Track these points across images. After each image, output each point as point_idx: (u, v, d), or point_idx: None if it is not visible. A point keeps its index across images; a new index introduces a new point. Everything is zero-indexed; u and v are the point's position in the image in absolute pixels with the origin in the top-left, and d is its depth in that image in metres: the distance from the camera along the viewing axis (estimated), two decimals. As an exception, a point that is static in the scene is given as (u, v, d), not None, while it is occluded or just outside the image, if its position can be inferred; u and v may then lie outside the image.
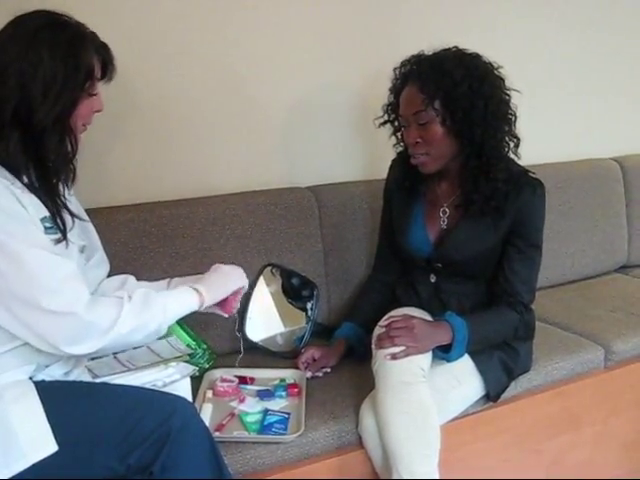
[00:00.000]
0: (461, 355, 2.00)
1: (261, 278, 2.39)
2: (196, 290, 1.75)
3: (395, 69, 2.07)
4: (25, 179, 1.56)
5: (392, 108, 2.10)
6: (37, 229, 1.54)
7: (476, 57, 1.99)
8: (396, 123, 2.12)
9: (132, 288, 1.88)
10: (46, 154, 1.58)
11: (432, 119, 1.95)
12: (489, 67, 1.99)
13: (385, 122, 2.14)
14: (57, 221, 1.60)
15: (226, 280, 1.86)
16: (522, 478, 2.26)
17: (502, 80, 2.00)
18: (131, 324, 1.58)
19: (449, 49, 2.00)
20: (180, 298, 1.72)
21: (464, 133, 1.96)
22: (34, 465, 1.46)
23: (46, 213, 1.58)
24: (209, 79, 2.46)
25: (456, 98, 1.92)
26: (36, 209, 1.56)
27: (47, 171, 1.60)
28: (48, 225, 1.58)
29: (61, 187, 1.66)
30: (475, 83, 1.93)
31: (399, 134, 2.14)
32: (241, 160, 2.59)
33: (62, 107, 1.56)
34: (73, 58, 1.56)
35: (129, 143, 2.38)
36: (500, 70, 2.00)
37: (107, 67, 1.69)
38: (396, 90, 2.07)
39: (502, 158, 2.02)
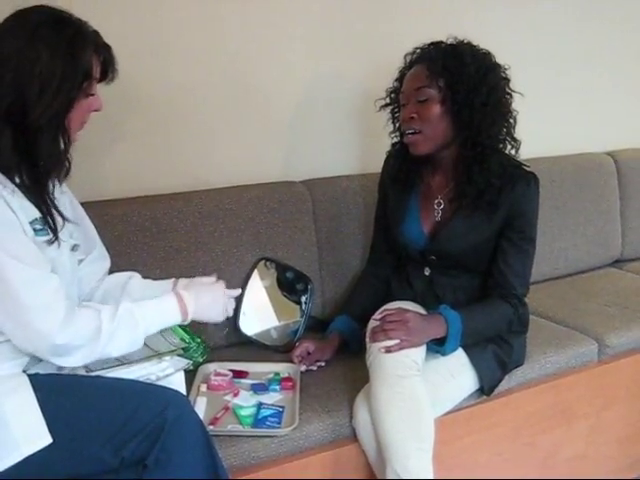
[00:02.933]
0: (455, 348, 2.01)
1: (255, 272, 2.39)
2: (181, 310, 1.74)
3: (406, 55, 2.10)
4: (17, 179, 1.55)
5: (395, 92, 2.12)
6: (26, 237, 1.54)
7: (487, 52, 2.03)
8: (396, 109, 2.13)
9: (133, 289, 1.90)
10: (38, 153, 1.57)
11: (432, 97, 1.98)
12: (498, 64, 2.02)
13: (386, 105, 2.16)
14: (48, 221, 1.60)
15: (212, 306, 1.83)
16: (516, 471, 2.27)
17: (507, 80, 2.03)
18: (108, 341, 1.60)
19: (462, 41, 2.04)
20: (164, 317, 1.73)
21: (462, 117, 1.98)
22: (28, 458, 1.46)
23: (35, 215, 1.58)
24: (204, 72, 2.46)
25: (461, 80, 1.95)
26: (25, 212, 1.55)
27: (37, 170, 1.59)
28: (38, 227, 1.58)
29: (51, 186, 1.65)
30: (482, 70, 1.96)
31: (396, 123, 2.15)
32: (235, 154, 2.59)
33: (58, 107, 1.55)
34: (72, 57, 1.54)
35: (122, 137, 2.37)
36: (506, 72, 2.03)
37: (108, 68, 1.68)
38: (402, 74, 2.09)
39: (496, 150, 2.03)
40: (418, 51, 2.07)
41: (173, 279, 1.95)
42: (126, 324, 1.63)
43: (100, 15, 1.99)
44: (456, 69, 1.95)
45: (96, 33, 1.63)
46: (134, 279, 1.94)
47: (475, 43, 2.03)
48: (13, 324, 1.53)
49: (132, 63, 2.27)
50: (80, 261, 1.85)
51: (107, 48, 1.66)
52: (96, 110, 1.69)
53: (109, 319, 1.60)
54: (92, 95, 1.65)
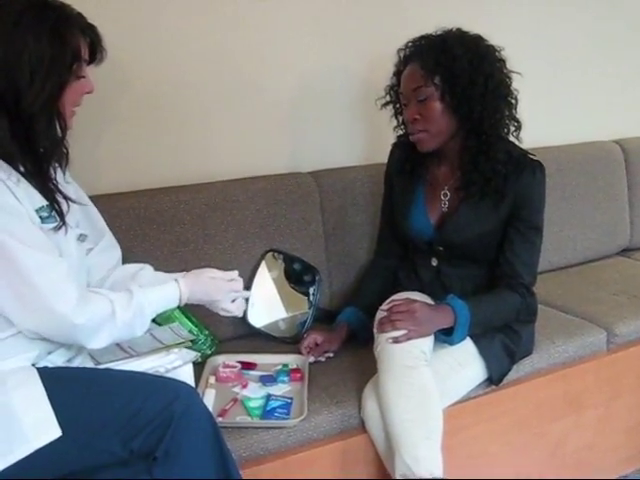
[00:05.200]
0: (463, 338, 2.00)
1: (263, 264, 2.39)
2: (179, 289, 1.77)
3: (399, 51, 2.09)
4: (21, 168, 1.56)
5: (394, 89, 2.11)
6: (33, 224, 1.55)
7: (477, 37, 2.01)
8: (397, 105, 2.13)
9: (142, 280, 1.89)
10: (36, 139, 1.58)
11: (431, 95, 1.97)
12: (490, 47, 2.00)
13: (387, 103, 2.16)
14: (54, 207, 1.60)
15: (208, 289, 1.83)
16: (524, 461, 2.27)
17: (503, 62, 2.01)
18: (122, 323, 1.62)
19: (451, 30, 2.01)
20: (164, 298, 1.75)
21: (463, 110, 1.97)
22: (38, 450, 1.46)
23: (41, 203, 1.59)
24: (209, 63, 2.45)
25: (456, 74, 1.94)
26: (31, 200, 1.56)
27: (38, 157, 1.60)
28: (45, 215, 1.59)
29: (52, 172, 1.65)
30: (475, 60, 1.95)
31: (400, 117, 2.14)
32: (241, 146, 2.58)
33: (50, 91, 1.55)
34: (59, 41, 1.55)
35: (128, 129, 2.37)
36: (501, 52, 2.01)
37: (95, 48, 1.67)
38: (398, 71, 2.08)
39: (501, 138, 2.03)
40: (410, 45, 2.06)
41: (183, 272, 1.96)
42: (138, 314, 1.65)
43: (98, 8, 2.00)
44: (449, 64, 1.94)
45: (80, 15, 1.63)
46: (145, 270, 1.95)
47: (473, 29, 2.02)
48: (31, 311, 1.54)
49: (135, 56, 2.28)
50: (89, 250, 1.86)
51: (92, 28, 1.66)
52: (88, 92, 1.69)
53: (124, 305, 1.62)
54: (83, 77, 1.65)
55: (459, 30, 2.01)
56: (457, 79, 1.94)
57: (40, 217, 1.57)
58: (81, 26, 1.62)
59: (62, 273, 1.56)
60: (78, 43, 1.60)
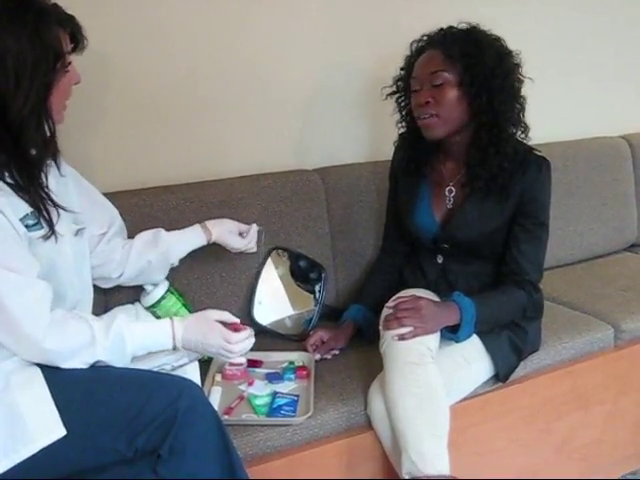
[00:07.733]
0: (469, 335, 2.00)
1: (269, 261, 2.39)
2: (173, 336, 1.70)
3: (413, 42, 2.10)
4: (8, 178, 1.54)
5: (402, 80, 2.11)
6: (17, 235, 1.53)
7: (500, 39, 2.03)
8: (404, 98, 2.13)
9: (166, 240, 1.98)
10: (26, 144, 1.56)
11: (449, 81, 1.97)
12: (510, 50, 2.03)
13: (393, 93, 2.15)
14: (44, 216, 1.58)
15: (205, 336, 1.72)
16: (531, 457, 2.26)
17: (519, 66, 2.03)
18: (103, 349, 1.60)
19: (474, 26, 2.03)
20: (154, 341, 1.69)
21: (481, 101, 1.97)
22: (42, 450, 1.47)
23: (27, 210, 1.56)
24: (215, 61, 2.45)
25: (480, 64, 1.95)
26: (14, 209, 1.53)
27: (29, 163, 1.58)
28: (31, 222, 1.57)
29: (44, 177, 1.63)
30: (501, 54, 1.98)
31: (404, 111, 2.14)
32: (247, 143, 2.58)
33: (37, 94, 1.53)
34: (39, 40, 1.52)
35: (134, 126, 2.37)
36: (518, 57, 2.04)
37: (77, 37, 1.65)
38: (409, 61, 2.09)
39: (511, 135, 2.04)
40: (425, 38, 2.06)
41: (198, 224, 2.05)
42: (117, 344, 1.62)
43: (103, 5, 2.00)
44: (475, 53, 1.95)
45: (56, 5, 1.60)
46: (161, 236, 2.02)
47: (486, 27, 2.03)
48: (5, 332, 1.54)
49: (142, 53, 2.28)
50: (102, 236, 1.90)
51: (71, 18, 1.63)
52: (76, 83, 1.68)
53: (103, 334, 1.59)
54: (68, 70, 1.62)
55: (480, 28, 2.03)
56: (480, 69, 1.95)
57: (26, 225, 1.55)
58: (59, 19, 1.59)
59: (35, 296, 1.54)
60: (58, 38, 1.57)
